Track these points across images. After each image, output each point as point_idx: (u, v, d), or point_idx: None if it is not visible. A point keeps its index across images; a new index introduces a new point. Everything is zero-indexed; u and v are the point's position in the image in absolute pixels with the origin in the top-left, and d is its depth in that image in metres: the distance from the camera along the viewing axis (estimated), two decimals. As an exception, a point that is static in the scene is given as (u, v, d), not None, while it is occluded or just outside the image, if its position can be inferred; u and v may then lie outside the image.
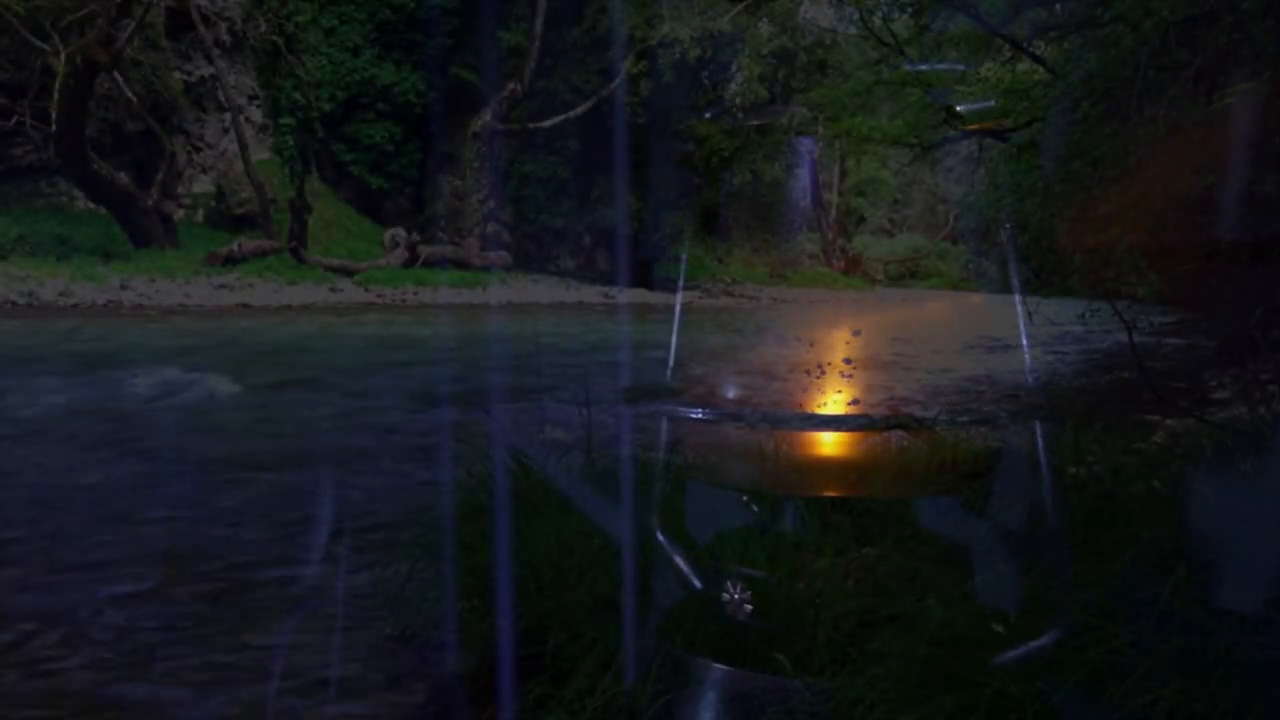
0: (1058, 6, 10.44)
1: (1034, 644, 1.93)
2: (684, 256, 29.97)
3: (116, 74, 21.70)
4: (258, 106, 26.29)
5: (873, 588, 2.43)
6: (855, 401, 7.47)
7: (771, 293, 31.51)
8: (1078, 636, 1.92)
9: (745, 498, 2.88)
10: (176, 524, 4.33)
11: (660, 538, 2.55)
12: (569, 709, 2.10)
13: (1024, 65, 11.52)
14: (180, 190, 26.42)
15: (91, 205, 22.78)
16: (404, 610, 2.89)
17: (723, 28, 26.60)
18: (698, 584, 2.40)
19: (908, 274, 42.55)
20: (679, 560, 2.47)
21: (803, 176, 36.70)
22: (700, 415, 5.61)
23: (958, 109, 11.38)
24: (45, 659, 2.82)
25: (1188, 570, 2.00)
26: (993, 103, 10.44)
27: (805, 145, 31.56)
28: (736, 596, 2.26)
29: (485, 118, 26.72)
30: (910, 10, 12.91)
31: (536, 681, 2.24)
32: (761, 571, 2.44)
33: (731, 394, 8.94)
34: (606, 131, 27.34)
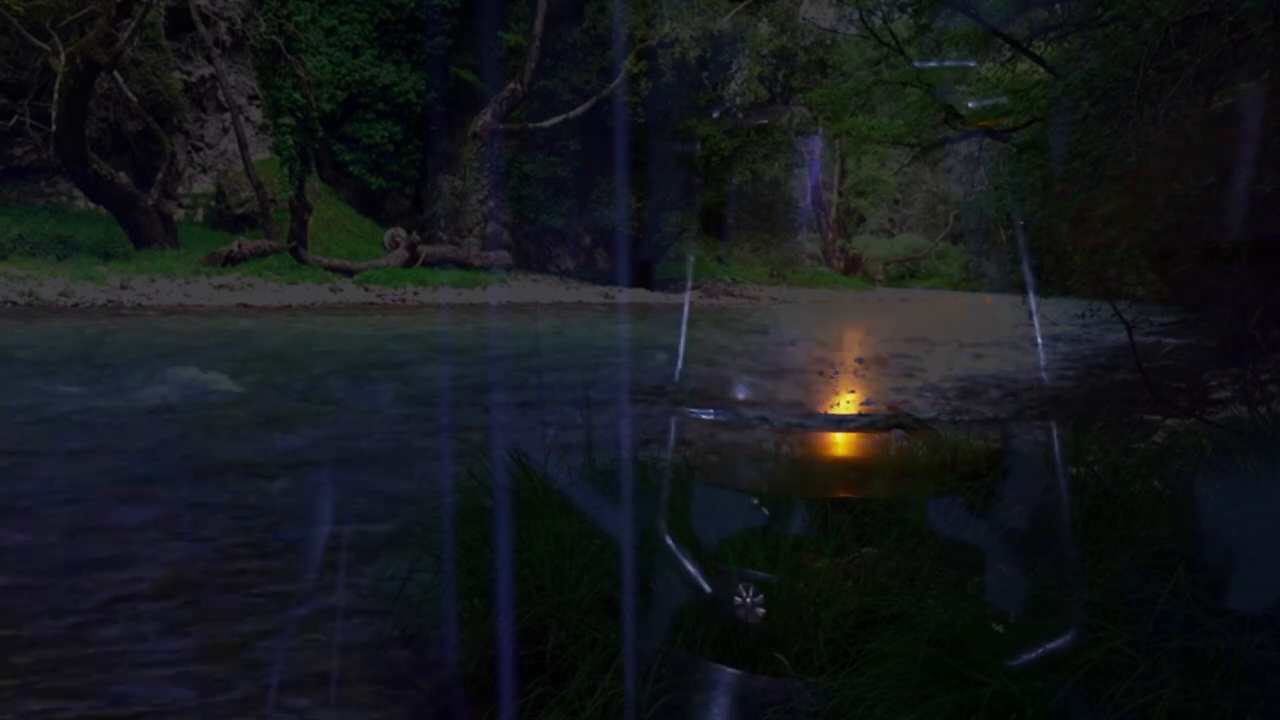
0: (1058, 6, 10.44)
1: (1048, 647, 1.93)
2: (691, 257, 29.94)
3: (116, 74, 21.68)
4: (258, 106, 26.27)
5: (873, 588, 2.43)
6: (869, 403, 7.48)
7: (771, 293, 31.55)
8: (1078, 636, 1.92)
9: (755, 500, 2.87)
10: (176, 522, 4.32)
11: (668, 541, 2.54)
12: (569, 709, 2.10)
13: (1024, 65, 11.54)
14: (180, 190, 26.42)
15: (91, 205, 22.77)
16: (404, 610, 2.89)
17: (723, 28, 26.62)
18: (707, 588, 2.39)
19: (908, 274, 42.65)
20: (687, 564, 2.46)
21: (803, 176, 36.74)
22: (704, 416, 5.61)
23: (969, 105, 11.39)
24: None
25: (1188, 570, 2.00)
26: (1005, 99, 10.45)
27: (805, 145, 31.59)
28: (749, 600, 2.25)
29: (485, 118, 26.71)
30: (910, 10, 12.92)
31: (537, 681, 2.24)
32: (762, 572, 2.44)
33: (738, 395, 8.95)
34: (606, 131, 27.33)
